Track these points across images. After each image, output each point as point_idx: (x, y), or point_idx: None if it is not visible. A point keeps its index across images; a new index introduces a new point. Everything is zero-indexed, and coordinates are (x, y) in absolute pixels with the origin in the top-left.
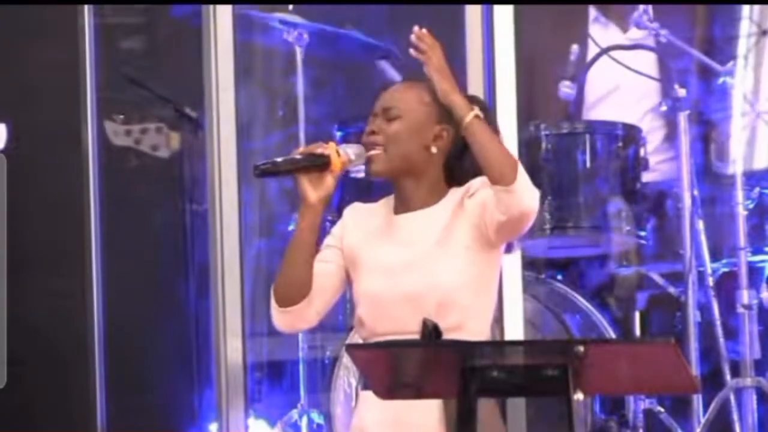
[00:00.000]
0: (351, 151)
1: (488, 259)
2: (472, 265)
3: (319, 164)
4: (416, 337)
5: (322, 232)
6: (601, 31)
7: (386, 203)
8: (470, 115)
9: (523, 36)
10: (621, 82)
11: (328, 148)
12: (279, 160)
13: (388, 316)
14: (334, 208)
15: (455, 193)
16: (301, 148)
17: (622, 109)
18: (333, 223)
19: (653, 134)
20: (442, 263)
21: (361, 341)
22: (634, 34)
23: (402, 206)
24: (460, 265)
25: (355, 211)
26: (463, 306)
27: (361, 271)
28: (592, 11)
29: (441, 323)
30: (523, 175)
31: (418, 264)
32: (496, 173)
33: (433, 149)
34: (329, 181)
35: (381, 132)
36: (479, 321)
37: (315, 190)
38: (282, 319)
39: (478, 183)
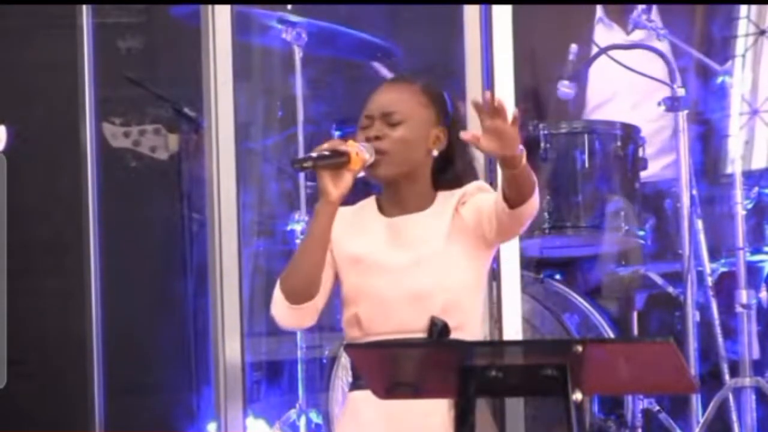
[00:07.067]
0: (365, 151)
1: (485, 262)
2: (473, 266)
3: (341, 162)
4: (419, 336)
5: None
6: (605, 32)
7: (367, 205)
8: (524, 158)
9: (522, 36)
10: (624, 84)
11: (349, 146)
12: (313, 154)
13: (391, 316)
14: None
15: (447, 198)
16: (326, 144)
17: (624, 113)
18: None
19: (659, 136)
20: (451, 263)
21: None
22: (637, 35)
23: (395, 208)
24: (465, 266)
25: (341, 215)
26: (465, 306)
27: (361, 273)
28: (598, 11)
29: None
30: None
31: (426, 264)
32: (517, 200)
33: (435, 152)
34: (348, 178)
35: (385, 137)
36: (476, 321)
37: (335, 187)
38: (291, 316)
39: (472, 190)
